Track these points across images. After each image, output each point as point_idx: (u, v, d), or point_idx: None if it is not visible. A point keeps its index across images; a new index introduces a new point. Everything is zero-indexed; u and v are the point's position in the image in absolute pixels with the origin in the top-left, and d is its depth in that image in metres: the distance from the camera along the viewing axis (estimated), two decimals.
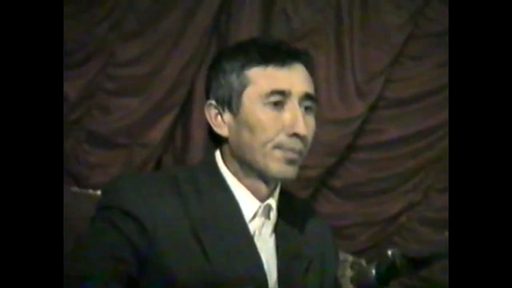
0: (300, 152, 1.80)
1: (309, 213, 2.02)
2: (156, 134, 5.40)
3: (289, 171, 1.79)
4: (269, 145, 1.78)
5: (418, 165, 5.54)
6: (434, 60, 5.43)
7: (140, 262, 1.72)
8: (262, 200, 1.84)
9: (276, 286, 1.82)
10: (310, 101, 1.83)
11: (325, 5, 5.39)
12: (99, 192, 4.90)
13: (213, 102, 1.85)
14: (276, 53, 1.81)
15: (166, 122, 5.42)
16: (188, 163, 5.42)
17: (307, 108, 1.83)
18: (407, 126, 5.51)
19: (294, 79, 1.81)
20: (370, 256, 5.35)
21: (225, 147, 1.85)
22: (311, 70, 1.88)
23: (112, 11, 5.24)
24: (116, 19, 5.26)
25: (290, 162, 1.79)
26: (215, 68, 1.86)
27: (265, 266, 1.81)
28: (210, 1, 5.31)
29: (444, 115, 5.41)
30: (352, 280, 1.83)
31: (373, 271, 1.78)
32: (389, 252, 1.77)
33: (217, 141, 1.88)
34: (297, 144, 1.79)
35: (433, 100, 5.47)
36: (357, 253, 5.15)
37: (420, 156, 5.53)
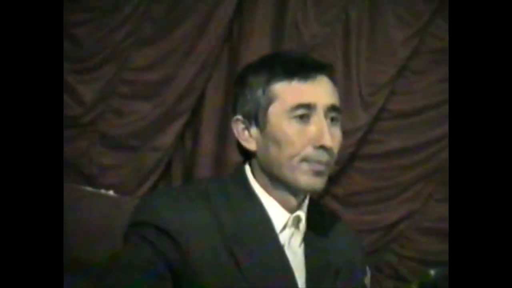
0: (327, 164, 1.76)
1: (338, 223, 1.99)
2: (167, 138, 5.40)
3: (317, 183, 1.75)
4: (296, 159, 1.73)
5: (418, 176, 5.51)
6: (436, 75, 5.39)
7: (175, 278, 1.69)
8: (291, 211, 1.80)
9: None
10: (335, 112, 1.78)
11: (334, 19, 5.39)
12: (111, 192, 4.93)
13: (240, 117, 1.81)
14: (300, 67, 1.77)
15: (176, 126, 5.43)
16: (197, 167, 5.47)
17: (332, 119, 1.78)
18: (409, 137, 5.48)
19: (319, 91, 1.76)
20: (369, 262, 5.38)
21: (254, 161, 1.82)
22: (335, 81, 1.83)
23: (129, 18, 5.25)
24: (132, 27, 5.27)
25: (318, 174, 1.75)
26: (241, 83, 1.82)
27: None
28: (223, 12, 5.30)
29: (444, 128, 5.41)
30: None
31: None
32: (432, 272, 1.73)
33: (245, 154, 1.84)
34: (323, 156, 1.74)
35: (434, 113, 5.44)
36: None
37: (420, 167, 5.50)
